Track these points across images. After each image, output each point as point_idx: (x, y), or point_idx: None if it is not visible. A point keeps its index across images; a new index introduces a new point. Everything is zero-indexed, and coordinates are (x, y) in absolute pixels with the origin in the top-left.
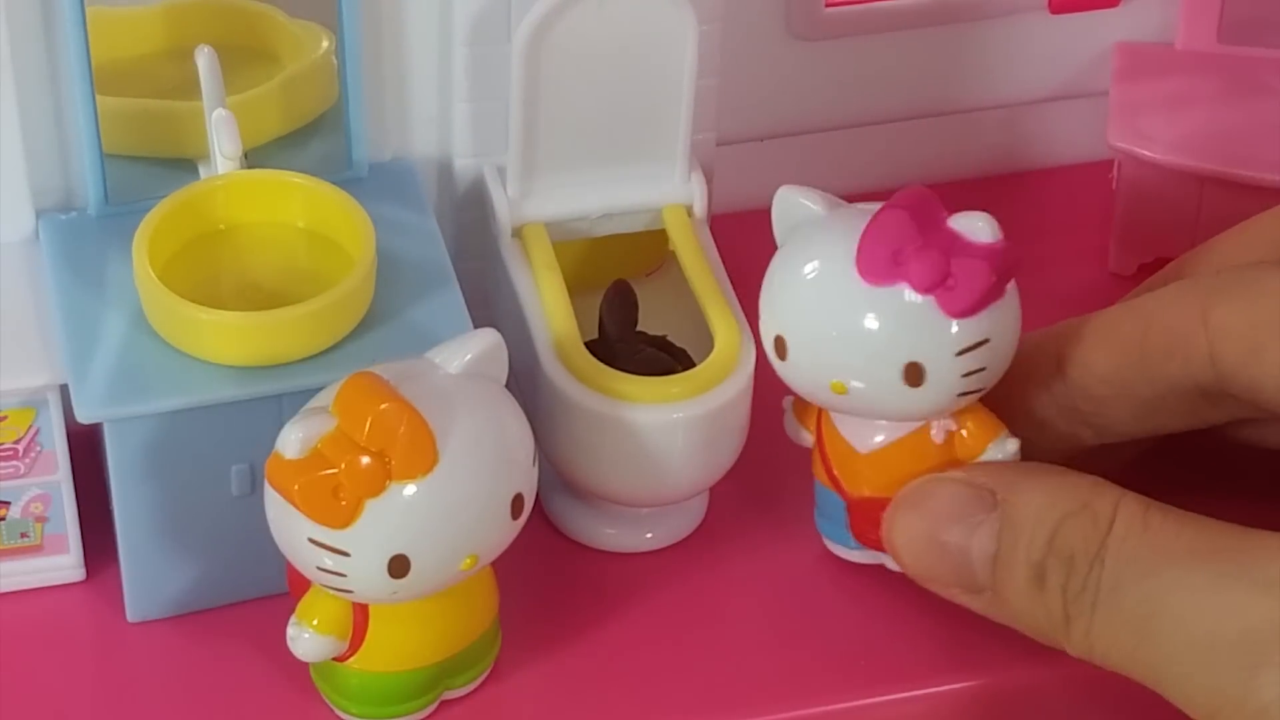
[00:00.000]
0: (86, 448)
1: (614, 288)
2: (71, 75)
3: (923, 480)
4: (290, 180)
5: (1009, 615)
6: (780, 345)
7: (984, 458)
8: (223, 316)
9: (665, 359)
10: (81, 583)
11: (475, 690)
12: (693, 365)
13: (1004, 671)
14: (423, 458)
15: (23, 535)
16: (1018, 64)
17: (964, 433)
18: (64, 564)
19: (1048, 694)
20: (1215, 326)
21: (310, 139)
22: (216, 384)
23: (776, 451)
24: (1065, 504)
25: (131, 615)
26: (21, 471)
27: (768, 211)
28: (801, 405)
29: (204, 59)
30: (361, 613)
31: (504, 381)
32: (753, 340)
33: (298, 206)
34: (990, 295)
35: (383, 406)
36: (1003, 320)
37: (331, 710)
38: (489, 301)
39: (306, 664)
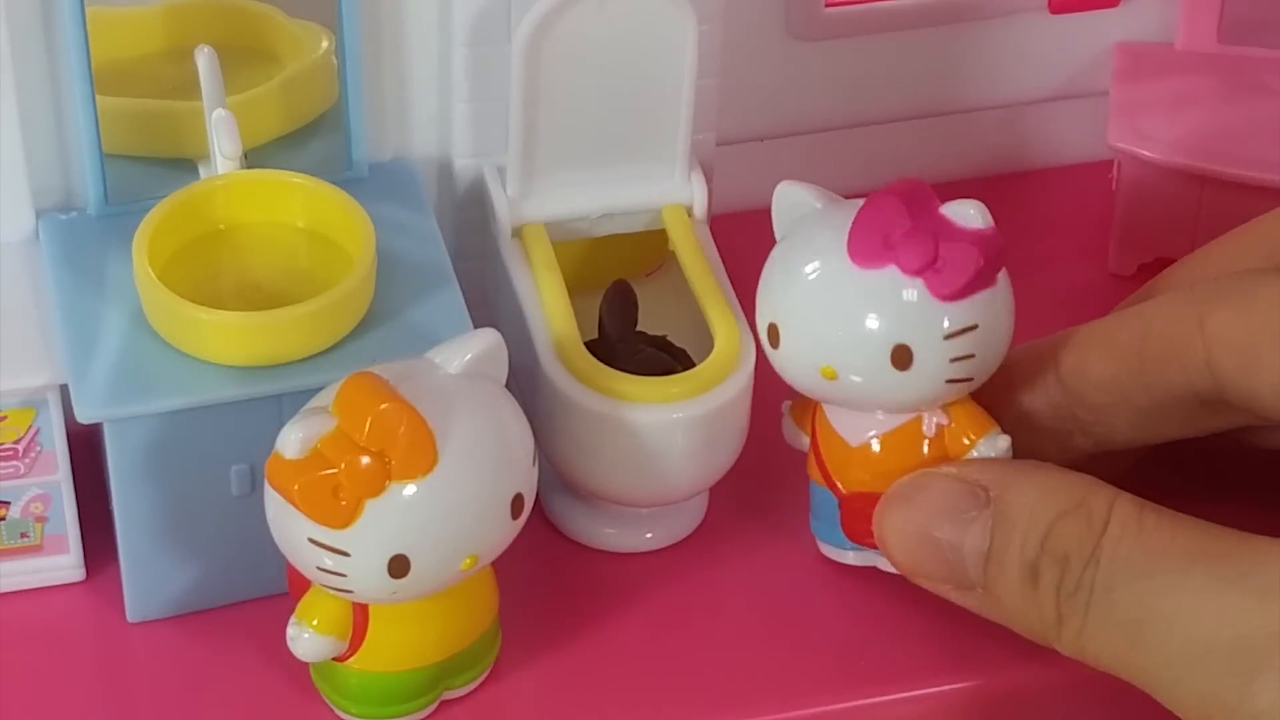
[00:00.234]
0: (86, 448)
1: (614, 288)
2: (71, 75)
3: (915, 475)
4: (290, 180)
5: (1001, 613)
6: (773, 333)
7: (975, 454)
8: (223, 316)
9: (665, 359)
10: (81, 583)
11: (475, 690)
12: (693, 365)
13: (1001, 672)
14: (423, 458)
15: (23, 535)
16: (1018, 64)
17: (955, 426)
18: (64, 564)
19: (1044, 694)
20: (1212, 335)
21: (310, 139)
22: (216, 384)
23: (776, 452)
24: (1060, 502)
25: (131, 615)
26: (21, 471)
27: (768, 211)
28: (800, 408)
29: (204, 59)
30: (361, 613)
31: (504, 381)
32: (753, 340)
33: (298, 206)
34: (979, 280)
35: (383, 406)
36: (993, 308)
37: (331, 710)
38: (489, 301)
39: (306, 664)
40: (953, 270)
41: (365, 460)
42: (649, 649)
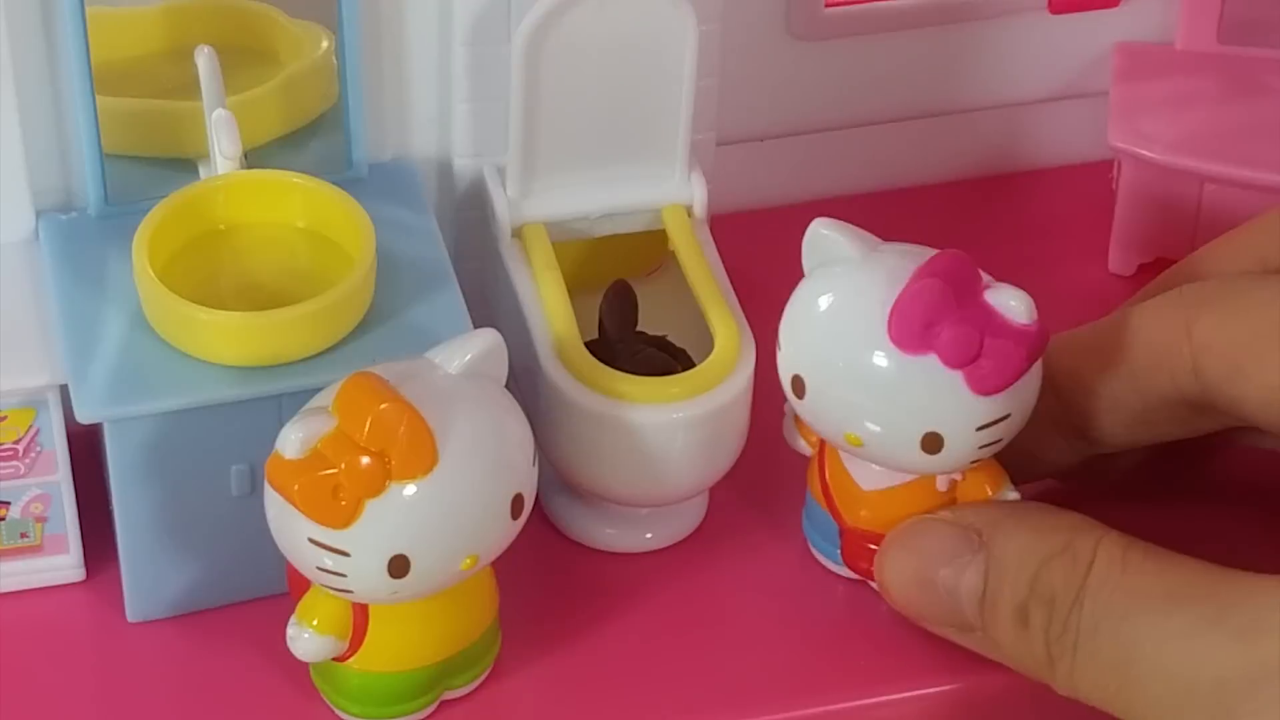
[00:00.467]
0: (86, 448)
1: (614, 288)
2: (71, 75)
3: (912, 521)
4: (290, 180)
5: (1000, 654)
6: (798, 385)
7: None
8: (223, 316)
9: (665, 359)
10: (81, 583)
11: (475, 690)
12: (693, 365)
13: (999, 673)
14: (423, 458)
15: (23, 535)
16: (1018, 64)
17: (966, 484)
18: (64, 564)
19: (1043, 695)
20: (1198, 341)
21: (310, 139)
22: (216, 384)
23: (776, 452)
24: (1048, 544)
25: (131, 615)
26: (21, 471)
27: (768, 212)
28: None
29: (204, 59)
30: (361, 613)
31: (504, 381)
32: (753, 341)
33: (298, 206)
34: (1017, 377)
35: (383, 406)
36: (1024, 396)
37: (331, 710)
38: (489, 301)
39: (306, 664)
40: (995, 369)
41: (365, 460)
42: (649, 649)
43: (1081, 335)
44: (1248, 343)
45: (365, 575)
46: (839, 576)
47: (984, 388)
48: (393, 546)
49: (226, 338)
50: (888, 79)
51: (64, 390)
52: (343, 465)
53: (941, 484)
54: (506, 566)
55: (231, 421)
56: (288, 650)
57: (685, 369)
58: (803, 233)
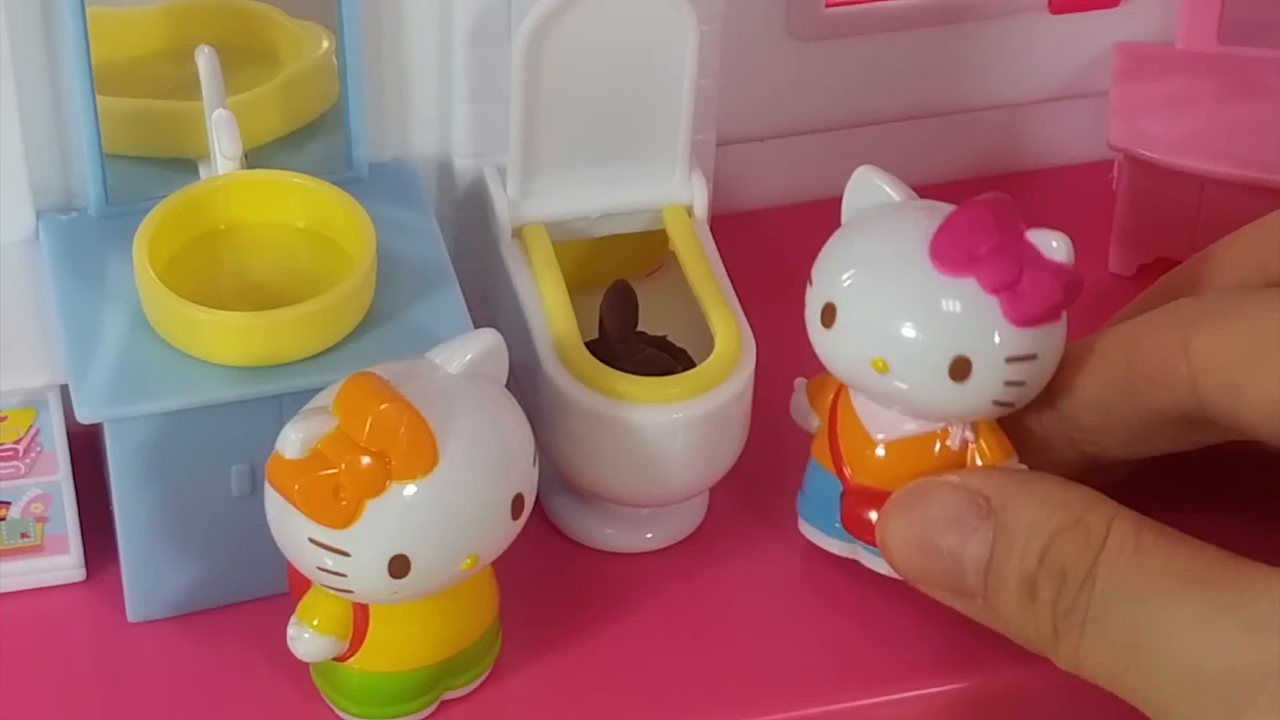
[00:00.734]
0: (86, 448)
1: (614, 288)
2: (71, 75)
3: (918, 482)
4: (290, 180)
5: (999, 623)
6: (829, 313)
7: None
8: (223, 316)
9: (665, 359)
10: (81, 583)
11: (475, 690)
12: (693, 365)
13: (1000, 673)
14: (423, 458)
15: (23, 535)
16: (1018, 64)
17: (977, 446)
18: (64, 564)
19: (1043, 695)
20: (1195, 356)
21: (310, 139)
22: (216, 384)
23: (776, 452)
24: (1059, 517)
25: (132, 615)
26: (21, 471)
27: (768, 212)
28: (818, 388)
29: (204, 59)
30: (361, 613)
31: (504, 381)
32: (753, 341)
33: (298, 206)
34: (1053, 312)
35: (383, 406)
36: (1051, 344)
37: (331, 710)
38: (489, 301)
39: (306, 664)
40: (1032, 297)
41: (365, 460)
42: (649, 649)
43: (1077, 349)
44: (1244, 356)
45: (365, 575)
46: (838, 577)
47: (1020, 315)
48: (393, 546)
49: (227, 338)
50: (888, 79)
51: (64, 390)
52: (343, 465)
53: (954, 441)
54: (506, 566)
55: (232, 421)
56: (288, 650)
57: (685, 369)
58: (802, 233)
